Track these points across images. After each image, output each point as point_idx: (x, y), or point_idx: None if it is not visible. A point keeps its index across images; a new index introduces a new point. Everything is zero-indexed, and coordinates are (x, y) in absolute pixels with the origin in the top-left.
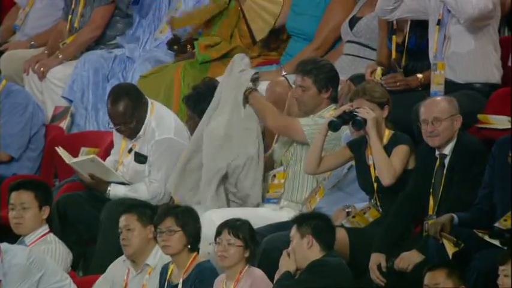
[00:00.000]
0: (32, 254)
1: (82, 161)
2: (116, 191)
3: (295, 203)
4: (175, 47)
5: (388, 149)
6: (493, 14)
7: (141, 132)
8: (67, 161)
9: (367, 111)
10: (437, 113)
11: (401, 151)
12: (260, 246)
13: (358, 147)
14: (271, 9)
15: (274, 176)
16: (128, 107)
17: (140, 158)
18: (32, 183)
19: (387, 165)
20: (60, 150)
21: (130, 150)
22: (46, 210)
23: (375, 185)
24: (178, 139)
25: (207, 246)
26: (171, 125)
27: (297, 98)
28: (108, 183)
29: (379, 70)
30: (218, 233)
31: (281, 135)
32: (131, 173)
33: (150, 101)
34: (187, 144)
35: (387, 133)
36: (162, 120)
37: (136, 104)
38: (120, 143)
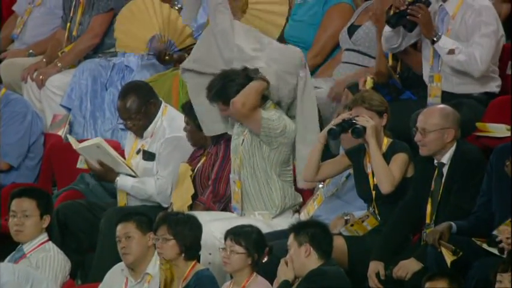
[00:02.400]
0: (15, 268)
1: (88, 146)
2: (123, 181)
3: (270, 212)
4: (167, 57)
5: (387, 157)
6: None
7: (149, 131)
8: (74, 147)
9: (366, 120)
10: (426, 124)
11: (400, 159)
12: None
13: (357, 155)
14: (276, 20)
15: (234, 182)
16: (133, 103)
17: (148, 156)
18: (34, 191)
19: (386, 173)
20: (70, 137)
21: (138, 151)
22: (47, 219)
23: (374, 193)
24: None
25: (207, 256)
26: (181, 124)
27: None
28: (117, 173)
29: (369, 80)
30: (224, 239)
31: (238, 118)
32: (140, 171)
33: (164, 103)
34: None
35: (386, 141)
36: (173, 120)
37: (144, 101)
38: (130, 145)
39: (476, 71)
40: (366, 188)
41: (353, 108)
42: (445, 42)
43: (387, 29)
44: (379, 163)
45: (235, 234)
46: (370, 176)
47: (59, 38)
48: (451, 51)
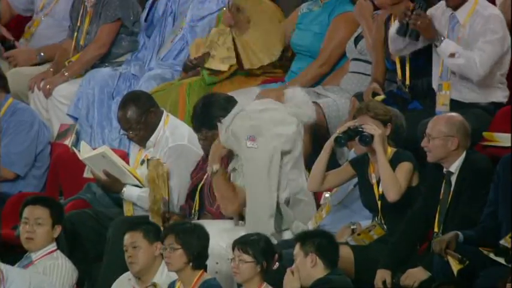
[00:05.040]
0: (31, 277)
1: (94, 156)
2: (130, 191)
3: None
4: (190, 73)
5: (391, 166)
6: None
7: (152, 141)
8: (80, 157)
9: (373, 128)
10: (431, 130)
11: (404, 168)
12: None
13: (361, 165)
14: (271, 50)
15: None
16: (133, 113)
17: None
18: (48, 200)
19: (393, 181)
20: (82, 144)
21: (142, 162)
22: (58, 229)
23: (379, 203)
24: (192, 146)
25: (214, 266)
26: (184, 133)
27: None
28: (123, 184)
29: (380, 98)
30: (232, 249)
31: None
32: (145, 182)
33: (165, 113)
34: (200, 151)
35: (389, 150)
36: (176, 129)
37: (143, 111)
38: (135, 157)
39: (474, 75)
40: (371, 198)
41: (358, 116)
42: (447, 46)
43: (393, 30)
44: (386, 171)
45: (242, 243)
46: (375, 186)
47: (66, 47)
48: (452, 55)
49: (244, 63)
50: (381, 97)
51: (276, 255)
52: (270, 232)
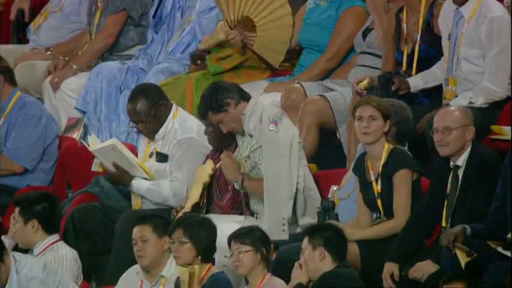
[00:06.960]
0: (45, 264)
1: (104, 147)
2: (139, 184)
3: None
4: (199, 61)
5: (387, 167)
6: None
7: (161, 133)
8: (90, 149)
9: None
10: (448, 122)
11: (402, 181)
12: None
13: (359, 167)
14: (282, 36)
15: None
16: (142, 105)
17: (161, 157)
18: (17, 199)
19: (393, 226)
20: (89, 137)
21: (151, 155)
22: (30, 224)
23: (378, 201)
24: (201, 139)
25: (222, 259)
26: (193, 125)
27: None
28: (132, 176)
29: (365, 82)
30: (229, 245)
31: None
32: (154, 174)
33: (175, 106)
34: (209, 145)
35: (386, 147)
36: (184, 122)
37: (153, 103)
38: (143, 149)
39: (499, 97)
40: (370, 196)
41: (359, 107)
42: (456, 102)
43: None
44: (380, 234)
45: (238, 235)
46: (373, 184)
47: (86, 41)
48: (471, 103)
49: (273, 64)
50: (366, 81)
51: (272, 245)
52: (288, 215)
